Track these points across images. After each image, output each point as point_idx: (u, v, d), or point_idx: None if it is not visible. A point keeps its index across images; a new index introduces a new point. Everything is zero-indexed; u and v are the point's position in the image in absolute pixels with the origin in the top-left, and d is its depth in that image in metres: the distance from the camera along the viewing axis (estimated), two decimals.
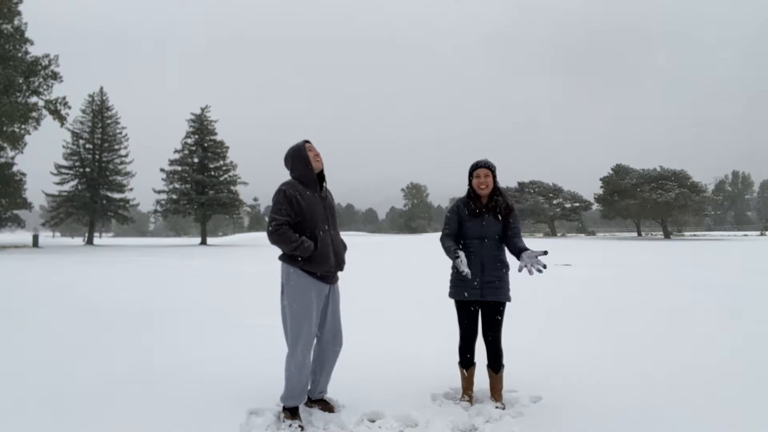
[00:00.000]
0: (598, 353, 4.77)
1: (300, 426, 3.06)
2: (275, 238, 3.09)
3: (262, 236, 52.70)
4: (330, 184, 3.45)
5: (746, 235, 57.35)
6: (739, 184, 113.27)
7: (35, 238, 36.28)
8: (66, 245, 42.18)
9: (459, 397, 3.54)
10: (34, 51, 33.48)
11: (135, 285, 10.77)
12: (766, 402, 3.49)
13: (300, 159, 3.27)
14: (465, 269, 3.19)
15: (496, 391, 3.45)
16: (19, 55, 32.26)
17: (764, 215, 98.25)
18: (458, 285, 3.46)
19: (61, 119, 34.59)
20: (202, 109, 46.85)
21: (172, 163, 45.31)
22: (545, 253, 3.16)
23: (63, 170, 44.16)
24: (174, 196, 45.02)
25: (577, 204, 64.66)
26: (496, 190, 3.51)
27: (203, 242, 45.36)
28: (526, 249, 3.27)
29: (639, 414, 3.23)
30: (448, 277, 3.57)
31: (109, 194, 45.28)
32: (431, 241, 34.78)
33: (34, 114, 32.53)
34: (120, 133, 46.44)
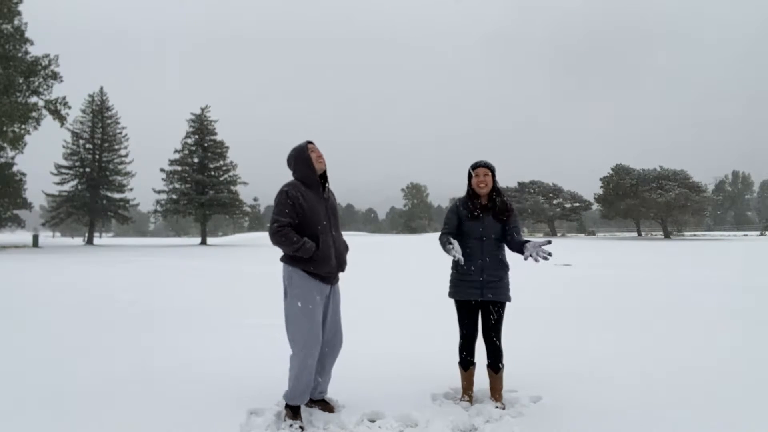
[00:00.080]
0: (598, 353, 4.77)
1: (300, 426, 3.07)
2: (277, 239, 3.10)
3: (262, 236, 52.73)
4: (330, 184, 3.45)
5: (746, 235, 57.30)
6: (739, 184, 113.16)
7: (35, 238, 36.28)
8: (66, 245, 42.20)
9: (459, 397, 3.54)
10: (34, 51, 33.53)
11: (135, 285, 10.77)
12: (766, 402, 3.49)
13: (302, 160, 3.27)
14: (458, 255, 3.21)
15: (496, 391, 3.46)
16: (19, 55, 32.25)
17: (764, 215, 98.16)
18: (458, 285, 3.47)
19: (61, 119, 34.59)
20: (202, 109, 46.88)
21: (172, 163, 45.36)
22: (549, 242, 3.23)
23: (63, 170, 44.18)
24: (174, 196, 45.04)
25: (577, 204, 64.58)
26: (496, 189, 3.52)
27: (203, 242, 45.36)
28: (528, 241, 3.33)
29: (639, 414, 3.23)
30: (448, 278, 3.58)
31: (109, 194, 45.33)
32: (431, 241, 34.74)
33: (34, 114, 32.52)
34: (120, 133, 46.51)
